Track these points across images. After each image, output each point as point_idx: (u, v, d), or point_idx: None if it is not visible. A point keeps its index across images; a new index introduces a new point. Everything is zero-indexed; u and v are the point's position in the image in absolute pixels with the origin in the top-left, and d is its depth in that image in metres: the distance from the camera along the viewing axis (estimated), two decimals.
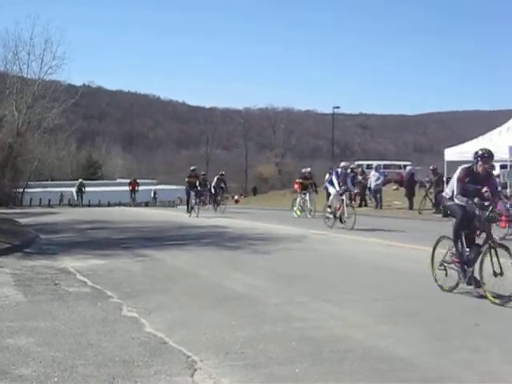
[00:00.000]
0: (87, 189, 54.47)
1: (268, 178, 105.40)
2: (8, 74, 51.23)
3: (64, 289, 9.71)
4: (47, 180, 67.08)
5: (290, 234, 18.42)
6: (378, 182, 32.94)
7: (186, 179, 30.46)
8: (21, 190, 53.28)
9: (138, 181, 54.74)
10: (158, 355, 6.05)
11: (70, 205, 53.17)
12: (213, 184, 33.17)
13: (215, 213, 29.77)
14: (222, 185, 33.75)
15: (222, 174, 34.86)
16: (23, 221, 23.45)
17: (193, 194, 29.37)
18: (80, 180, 50.66)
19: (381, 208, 31.97)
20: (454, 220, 9.46)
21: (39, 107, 51.21)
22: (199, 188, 29.48)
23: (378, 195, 32.87)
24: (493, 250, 8.65)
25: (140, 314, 7.82)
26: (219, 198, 32.95)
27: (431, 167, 29.52)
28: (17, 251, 14.39)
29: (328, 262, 12.87)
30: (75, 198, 54.10)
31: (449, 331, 7.01)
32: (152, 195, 60.94)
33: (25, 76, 52.12)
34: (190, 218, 27.49)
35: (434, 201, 28.44)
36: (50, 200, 59.67)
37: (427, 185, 29.78)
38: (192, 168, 31.18)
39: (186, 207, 31.87)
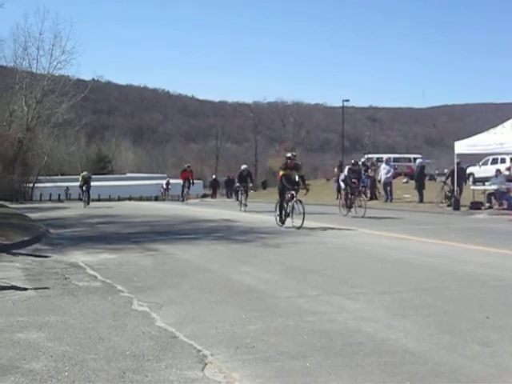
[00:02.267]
0: (96, 183, 53.90)
1: (278, 172, 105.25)
2: (18, 69, 51.33)
3: (74, 283, 9.71)
4: (57, 175, 67.20)
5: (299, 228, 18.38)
6: (388, 174, 32.81)
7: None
8: (31, 184, 53.44)
9: (147, 175, 54.24)
10: (168, 349, 6.03)
11: (80, 199, 53.27)
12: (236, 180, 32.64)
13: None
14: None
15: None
16: (33, 216, 23.48)
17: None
18: (84, 172, 37.15)
19: (391, 201, 31.89)
20: None
21: (48, 102, 51.30)
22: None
23: (388, 188, 32.77)
24: None
25: (151, 308, 7.81)
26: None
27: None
28: (27, 246, 14.42)
29: (338, 255, 12.84)
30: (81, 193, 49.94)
31: (459, 324, 6.96)
32: (164, 187, 59.71)
33: (34, 71, 52.25)
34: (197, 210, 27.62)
35: (448, 193, 28.32)
36: (59, 195, 59.90)
37: (436, 178, 29.67)
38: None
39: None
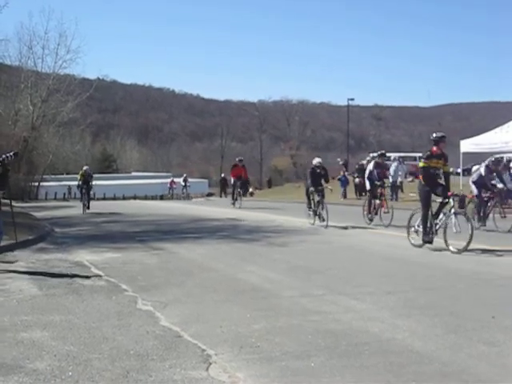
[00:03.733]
0: (101, 182, 53.67)
1: (283, 171, 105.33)
2: (23, 68, 51.42)
3: (79, 282, 9.70)
4: (62, 174, 67.27)
5: (305, 227, 18.37)
6: (398, 173, 32.72)
7: None
8: (36, 183, 53.50)
9: (152, 174, 53.93)
10: (172, 349, 6.01)
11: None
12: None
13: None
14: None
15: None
16: (38, 214, 23.53)
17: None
18: (84, 168, 30.38)
19: (396, 200, 31.74)
20: None
21: (54, 101, 51.36)
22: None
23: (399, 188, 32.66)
24: None
25: (155, 308, 7.79)
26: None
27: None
28: (32, 245, 14.43)
29: (343, 255, 12.81)
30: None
31: (465, 324, 6.93)
32: (183, 183, 56.71)
33: (39, 70, 52.33)
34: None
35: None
36: (64, 194, 59.89)
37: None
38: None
39: None
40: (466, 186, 29.79)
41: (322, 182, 19.68)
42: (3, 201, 12.12)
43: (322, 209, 18.85)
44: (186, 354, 5.87)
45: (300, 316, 7.29)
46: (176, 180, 57.65)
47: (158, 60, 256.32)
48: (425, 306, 7.80)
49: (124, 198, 61.51)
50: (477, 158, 37.18)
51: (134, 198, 61.84)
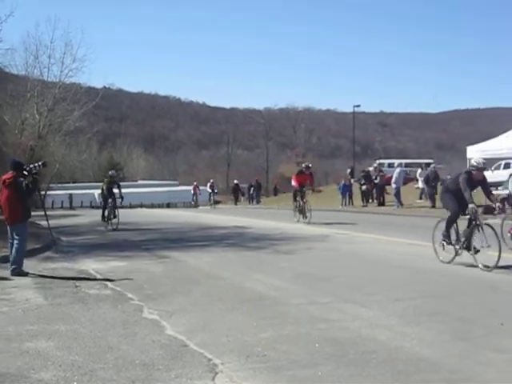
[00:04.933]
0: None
1: (289, 178, 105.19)
2: (29, 77, 51.45)
3: (84, 291, 9.68)
4: (69, 182, 67.26)
5: (311, 234, 18.31)
6: (398, 180, 32.48)
7: None
8: (43, 192, 53.56)
9: (159, 182, 53.23)
10: (178, 358, 5.97)
11: (92, 207, 53.19)
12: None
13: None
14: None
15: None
16: (45, 223, 23.50)
17: None
18: (110, 173, 25.57)
19: (398, 207, 31.55)
20: None
21: (60, 110, 51.35)
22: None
23: (396, 193, 32.42)
24: None
25: (161, 317, 7.76)
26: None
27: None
28: (38, 254, 14.43)
29: (350, 262, 12.74)
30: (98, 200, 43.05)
31: (473, 331, 6.87)
32: (209, 190, 49.48)
33: (45, 79, 52.28)
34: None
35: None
36: (71, 202, 59.94)
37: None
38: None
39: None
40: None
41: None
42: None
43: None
44: (192, 363, 5.83)
45: (307, 324, 7.23)
46: (201, 187, 55.87)
47: (164, 68, 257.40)
48: (433, 312, 7.75)
49: (131, 207, 61.48)
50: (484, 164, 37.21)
51: (141, 206, 61.78)
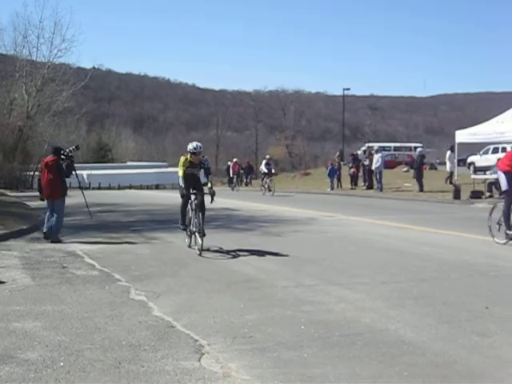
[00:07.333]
0: (97, 171, 53.42)
1: (278, 160, 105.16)
2: (18, 57, 51.13)
3: (72, 272, 9.68)
4: None
5: (299, 217, 18.35)
6: (378, 164, 32.51)
7: None
8: (31, 173, 53.33)
9: (148, 163, 52.65)
10: (165, 339, 6.00)
11: (80, 188, 53.08)
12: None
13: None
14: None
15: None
16: (33, 204, 23.43)
17: None
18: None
19: (381, 190, 31.62)
20: None
21: (49, 90, 51.11)
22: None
23: (378, 177, 32.49)
24: None
25: (148, 298, 7.78)
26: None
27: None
28: (26, 234, 14.40)
29: (338, 245, 12.79)
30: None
31: (458, 314, 6.92)
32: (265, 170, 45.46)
33: (34, 59, 52.00)
34: None
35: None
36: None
37: (437, 167, 29.54)
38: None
39: None
40: (461, 175, 29.92)
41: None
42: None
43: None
44: (179, 344, 5.85)
45: (293, 306, 7.27)
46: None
47: (153, 49, 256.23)
48: (419, 296, 7.80)
49: (119, 188, 61.32)
50: (472, 148, 37.41)
51: (130, 187, 61.67)
